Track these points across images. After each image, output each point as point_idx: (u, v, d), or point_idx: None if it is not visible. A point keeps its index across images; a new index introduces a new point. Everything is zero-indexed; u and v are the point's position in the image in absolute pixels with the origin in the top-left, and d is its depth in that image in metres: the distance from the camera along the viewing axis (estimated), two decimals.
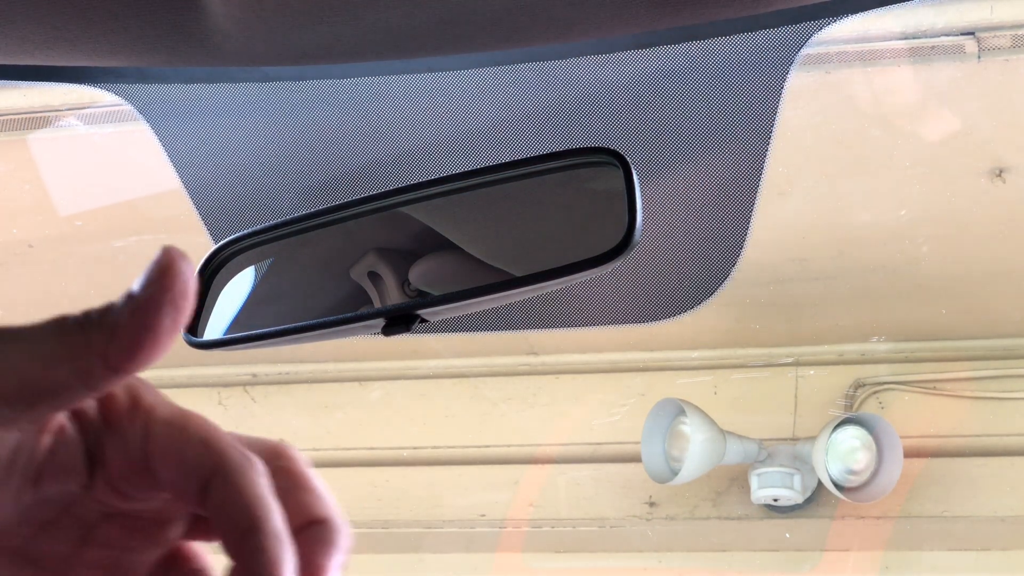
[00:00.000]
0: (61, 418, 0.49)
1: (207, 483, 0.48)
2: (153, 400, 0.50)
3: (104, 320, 0.47)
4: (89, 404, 0.50)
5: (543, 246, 0.97)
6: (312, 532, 0.49)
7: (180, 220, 3.29)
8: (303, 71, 1.16)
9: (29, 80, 1.11)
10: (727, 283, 1.28)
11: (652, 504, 3.71)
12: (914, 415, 3.58)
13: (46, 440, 0.49)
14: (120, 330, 0.47)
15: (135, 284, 0.48)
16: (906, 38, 2.82)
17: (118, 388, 0.50)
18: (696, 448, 3.45)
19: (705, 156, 1.23)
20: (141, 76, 1.16)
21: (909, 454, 3.44)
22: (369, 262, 0.98)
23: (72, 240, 3.58)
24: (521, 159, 0.94)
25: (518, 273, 0.92)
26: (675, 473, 3.48)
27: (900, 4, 1.54)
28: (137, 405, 0.50)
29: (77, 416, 0.50)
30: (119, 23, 0.89)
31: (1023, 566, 3.44)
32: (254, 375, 4.08)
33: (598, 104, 1.22)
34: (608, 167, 0.89)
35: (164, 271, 0.48)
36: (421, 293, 0.97)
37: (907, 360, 3.65)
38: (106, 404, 0.50)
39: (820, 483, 3.50)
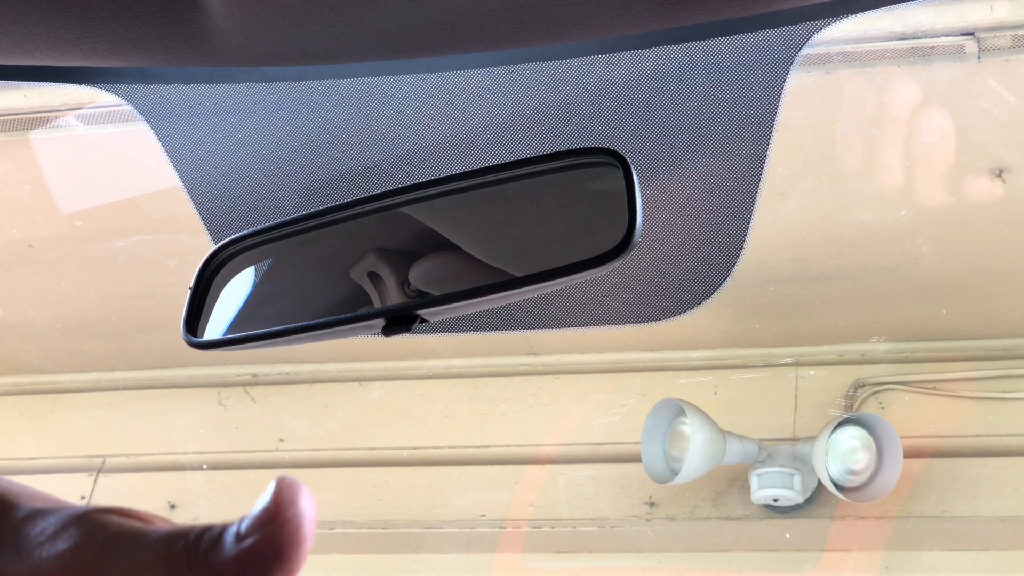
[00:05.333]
0: None
1: None
2: None
3: (209, 558, 0.44)
4: None
5: (543, 246, 0.97)
6: None
7: (180, 220, 3.29)
8: (303, 71, 1.16)
9: (29, 80, 1.10)
10: (727, 283, 1.28)
11: (652, 504, 3.71)
12: (914, 415, 3.58)
13: None
14: (223, 573, 0.44)
15: (246, 521, 0.44)
16: (906, 38, 2.82)
17: None
18: (696, 448, 3.44)
19: (705, 156, 1.23)
20: (141, 76, 1.16)
21: (909, 454, 3.44)
22: (369, 262, 0.98)
23: (72, 240, 3.58)
24: (521, 159, 0.94)
25: (518, 273, 0.92)
26: (675, 473, 3.48)
27: (900, 4, 1.54)
28: None
29: None
30: (119, 23, 0.89)
31: (1023, 566, 3.44)
32: (254, 375, 4.08)
33: (598, 104, 1.22)
34: (608, 167, 0.89)
35: (275, 513, 0.44)
36: (421, 293, 0.97)
37: (907, 360, 3.65)
38: None
39: (820, 483, 3.49)
